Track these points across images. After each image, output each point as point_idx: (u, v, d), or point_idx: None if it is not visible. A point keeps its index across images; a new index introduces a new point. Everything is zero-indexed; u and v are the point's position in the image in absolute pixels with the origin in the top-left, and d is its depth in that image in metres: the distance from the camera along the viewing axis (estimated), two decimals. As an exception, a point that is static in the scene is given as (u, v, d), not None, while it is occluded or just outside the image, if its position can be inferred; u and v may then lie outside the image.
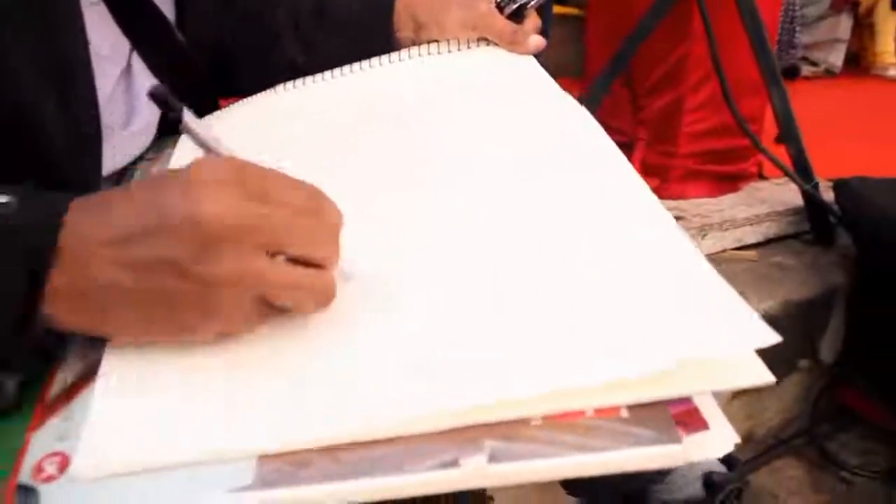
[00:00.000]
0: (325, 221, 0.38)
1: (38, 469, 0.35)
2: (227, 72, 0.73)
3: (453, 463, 0.32)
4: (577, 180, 0.50)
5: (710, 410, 0.34)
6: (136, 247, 0.35)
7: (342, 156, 0.59)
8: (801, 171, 1.38)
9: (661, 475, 0.79)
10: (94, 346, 0.40)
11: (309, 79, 0.70)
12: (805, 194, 1.40)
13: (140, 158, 0.64)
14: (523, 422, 0.34)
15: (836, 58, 4.04)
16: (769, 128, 1.55)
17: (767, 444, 1.28)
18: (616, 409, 0.34)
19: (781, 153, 1.40)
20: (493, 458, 0.32)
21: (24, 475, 0.34)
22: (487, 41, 0.72)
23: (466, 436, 0.33)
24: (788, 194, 1.51)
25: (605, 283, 0.40)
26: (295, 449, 0.34)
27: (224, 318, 0.37)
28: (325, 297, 0.39)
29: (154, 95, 0.39)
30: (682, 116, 1.45)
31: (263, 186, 0.36)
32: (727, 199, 1.51)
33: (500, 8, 0.70)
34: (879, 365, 1.28)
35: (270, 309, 0.38)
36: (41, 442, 0.36)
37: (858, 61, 4.26)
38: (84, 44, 0.54)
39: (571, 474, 0.33)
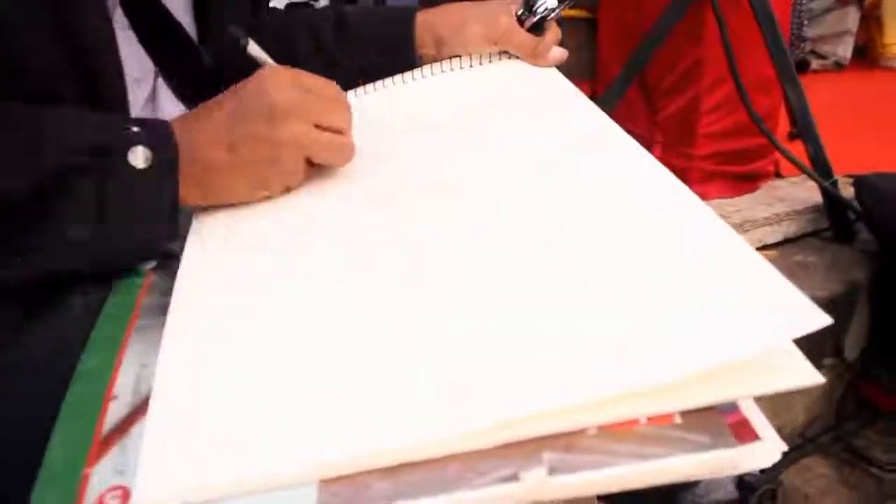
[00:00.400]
0: (342, 102, 0.57)
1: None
2: None
3: (514, 477, 0.33)
4: (615, 186, 0.51)
5: (758, 420, 0.34)
6: (228, 131, 0.52)
7: (380, 169, 0.60)
8: (820, 169, 1.38)
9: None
10: (145, 377, 0.41)
11: None
12: (824, 192, 1.40)
13: None
14: (579, 433, 0.34)
15: (845, 50, 3.99)
16: (783, 126, 1.55)
17: (794, 444, 1.28)
18: (669, 416, 0.34)
19: (797, 151, 1.40)
20: (552, 470, 0.33)
21: None
22: (509, 55, 0.72)
23: (524, 450, 0.34)
24: (806, 192, 1.51)
25: (654, 285, 0.40)
26: (355, 471, 0.34)
27: (289, 172, 0.55)
28: (348, 153, 0.58)
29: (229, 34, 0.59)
30: (700, 118, 1.46)
31: (304, 82, 0.55)
32: (746, 200, 1.51)
33: (521, 21, 0.71)
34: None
35: (312, 167, 0.57)
36: (100, 477, 0.36)
37: (866, 53, 4.23)
38: (118, 68, 0.57)
39: (630, 484, 0.33)
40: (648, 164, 0.53)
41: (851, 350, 1.34)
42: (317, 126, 0.54)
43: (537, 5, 0.70)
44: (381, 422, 0.36)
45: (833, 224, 1.44)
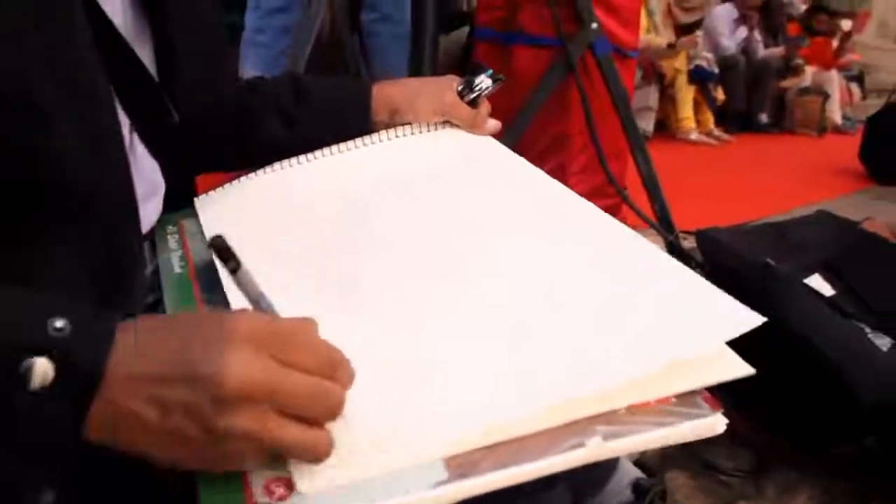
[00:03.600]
0: (333, 393, 0.41)
1: (269, 491, 0.40)
2: (212, 148, 0.78)
3: (580, 444, 0.43)
4: (569, 230, 0.62)
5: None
6: (168, 388, 0.38)
7: (338, 234, 0.65)
8: (664, 224, 1.64)
9: (598, 487, 0.87)
10: None
11: (289, 161, 0.77)
12: (668, 243, 1.66)
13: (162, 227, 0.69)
14: (614, 412, 0.46)
15: (648, 124, 4.55)
16: (630, 188, 1.82)
17: (657, 462, 1.49)
18: (668, 399, 0.46)
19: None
20: (605, 437, 0.43)
21: (258, 495, 0.40)
22: (452, 124, 0.82)
23: (581, 427, 0.45)
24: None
25: (629, 308, 0.52)
26: (475, 447, 0.43)
27: (233, 462, 0.40)
28: (321, 454, 0.41)
29: (214, 245, 0.44)
30: (567, 179, 1.68)
31: (286, 350, 0.40)
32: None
33: (462, 96, 0.81)
34: (739, 385, 1.53)
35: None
36: (258, 473, 0.41)
37: (665, 127, 4.84)
38: (116, 120, 0.57)
39: (657, 444, 0.47)
40: (589, 209, 0.66)
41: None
42: (283, 414, 0.40)
43: (475, 84, 0.81)
44: (481, 407, 0.46)
45: (676, 271, 1.69)
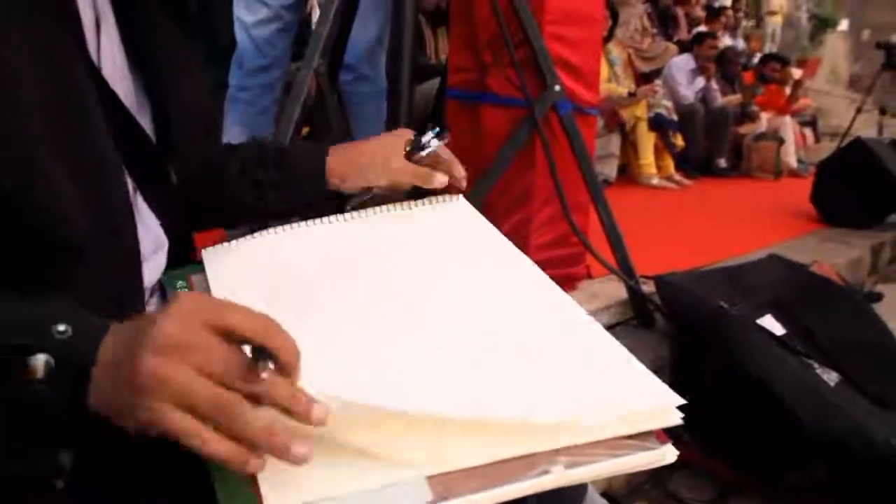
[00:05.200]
0: (233, 407, 0.45)
1: None
2: (199, 206, 0.83)
3: (546, 471, 0.51)
4: (509, 291, 0.71)
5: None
6: (128, 349, 0.46)
7: (322, 291, 0.71)
8: (625, 270, 1.76)
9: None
10: None
11: (267, 232, 0.83)
12: (629, 288, 1.78)
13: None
14: (576, 445, 0.52)
15: (611, 169, 4.70)
16: (592, 238, 1.93)
17: (622, 494, 1.58)
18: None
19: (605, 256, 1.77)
20: (567, 465, 0.51)
21: None
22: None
23: (547, 456, 0.51)
24: (614, 290, 1.89)
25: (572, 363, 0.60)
26: (456, 468, 0.50)
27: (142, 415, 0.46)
28: (237, 417, 0.46)
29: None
30: (531, 231, 1.80)
31: (223, 313, 0.47)
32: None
33: (411, 155, 0.85)
34: (698, 420, 1.64)
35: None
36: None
37: (627, 172, 5.01)
38: (124, 185, 0.64)
39: (614, 472, 0.55)
40: (538, 275, 0.76)
41: (659, 413, 1.67)
42: (204, 374, 0.45)
43: (423, 143, 0.85)
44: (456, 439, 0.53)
45: (637, 314, 1.81)
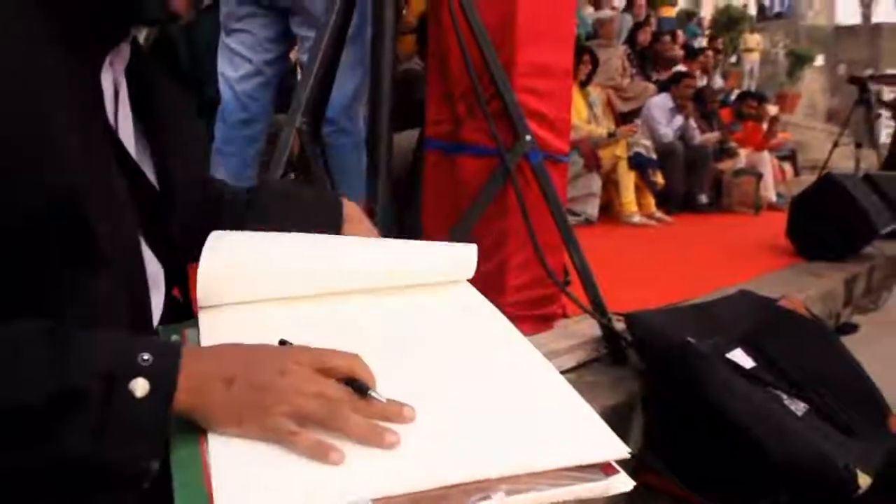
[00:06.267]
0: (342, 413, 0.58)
1: None
2: (192, 250, 0.83)
3: (487, 497, 0.54)
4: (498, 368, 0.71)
5: (615, 465, 0.62)
6: (235, 368, 0.59)
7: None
8: (598, 309, 1.84)
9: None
10: None
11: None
12: (602, 326, 1.86)
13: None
14: (518, 475, 0.56)
15: (593, 209, 4.80)
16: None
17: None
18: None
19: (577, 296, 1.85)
20: (508, 493, 0.54)
21: None
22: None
23: (489, 484, 0.54)
24: (588, 328, 1.97)
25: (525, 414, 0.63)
26: (401, 493, 0.53)
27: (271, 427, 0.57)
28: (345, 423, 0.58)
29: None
30: (508, 273, 1.88)
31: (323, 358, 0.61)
32: (547, 335, 1.94)
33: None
34: (670, 452, 1.70)
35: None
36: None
37: (609, 211, 5.11)
38: (137, 228, 0.71)
39: (555, 499, 0.61)
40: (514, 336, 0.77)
41: (633, 445, 1.75)
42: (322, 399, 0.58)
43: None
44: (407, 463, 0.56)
45: (610, 351, 1.89)
